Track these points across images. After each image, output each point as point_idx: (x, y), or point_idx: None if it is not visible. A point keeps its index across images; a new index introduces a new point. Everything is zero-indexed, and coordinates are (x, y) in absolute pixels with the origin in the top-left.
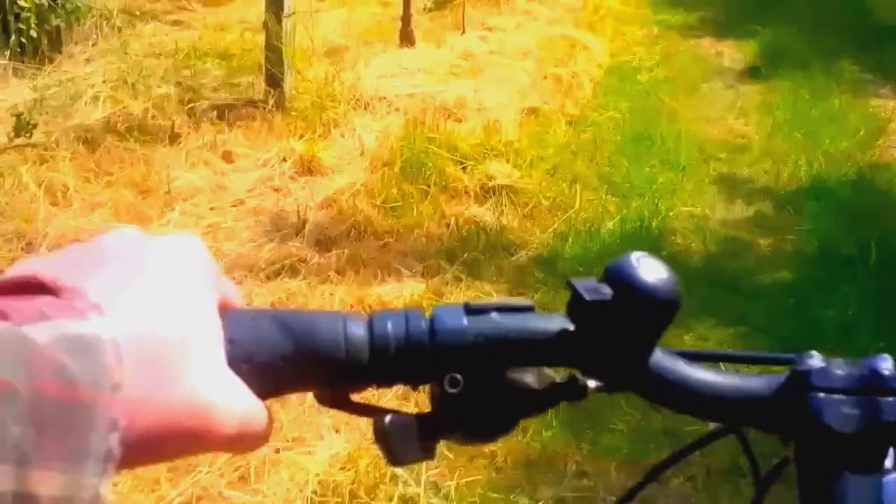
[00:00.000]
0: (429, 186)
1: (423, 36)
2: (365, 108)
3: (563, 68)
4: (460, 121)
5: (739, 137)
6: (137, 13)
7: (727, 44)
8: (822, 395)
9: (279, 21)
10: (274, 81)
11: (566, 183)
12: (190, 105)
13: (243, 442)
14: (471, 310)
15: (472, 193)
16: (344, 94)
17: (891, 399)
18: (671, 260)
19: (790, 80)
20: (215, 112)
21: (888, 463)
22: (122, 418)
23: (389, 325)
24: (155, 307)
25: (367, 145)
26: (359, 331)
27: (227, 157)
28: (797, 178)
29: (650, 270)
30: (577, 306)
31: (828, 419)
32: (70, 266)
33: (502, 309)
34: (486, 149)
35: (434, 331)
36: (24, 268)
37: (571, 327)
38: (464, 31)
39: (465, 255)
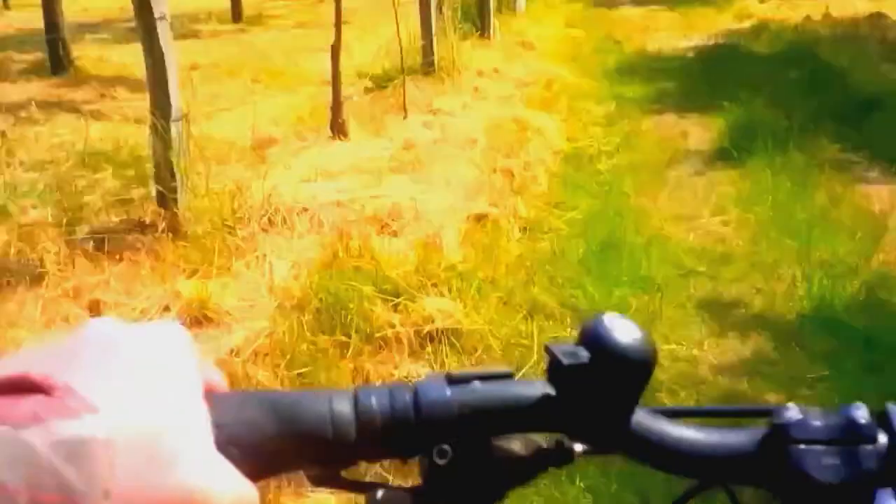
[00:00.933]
0: (349, 336)
1: (359, 123)
2: (282, 225)
3: (515, 159)
4: (395, 234)
5: (719, 243)
6: (56, 101)
7: (691, 120)
8: (802, 446)
9: (167, 124)
10: (165, 200)
11: (521, 315)
12: (69, 229)
13: None
14: (453, 380)
15: (405, 342)
16: (255, 210)
17: (869, 447)
18: None
19: (766, 165)
20: (92, 242)
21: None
22: None
23: (374, 401)
24: (143, 399)
25: (277, 280)
26: (344, 408)
27: (95, 307)
28: (796, 300)
29: (625, 331)
30: (556, 371)
31: (810, 470)
32: (58, 361)
33: (484, 377)
34: (424, 277)
35: (419, 404)
36: (14, 364)
37: (552, 392)
38: (405, 115)
39: None
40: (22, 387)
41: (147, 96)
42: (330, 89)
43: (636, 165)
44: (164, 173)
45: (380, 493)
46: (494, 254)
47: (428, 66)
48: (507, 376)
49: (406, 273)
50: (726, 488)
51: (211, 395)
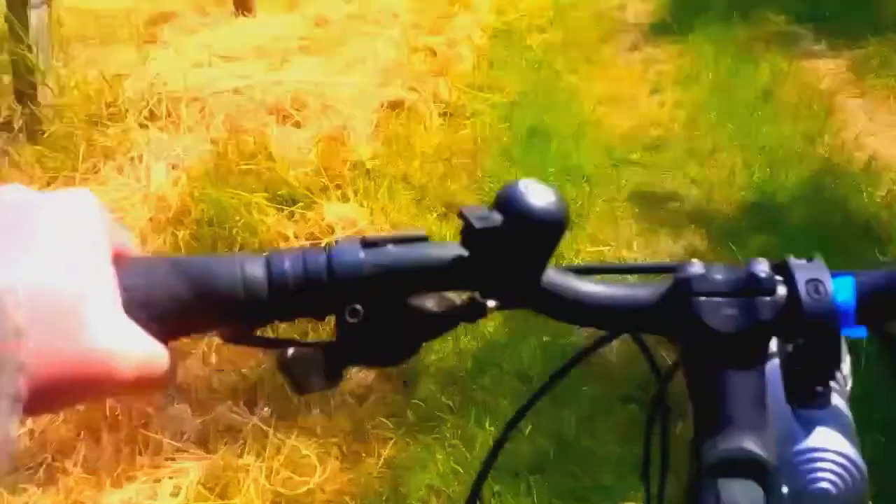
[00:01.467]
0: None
1: None
2: (166, 119)
3: (439, 36)
4: (298, 126)
5: (655, 126)
6: None
7: None
8: (703, 298)
9: (24, 10)
10: (23, 95)
11: (435, 215)
12: None
13: (144, 385)
14: (367, 243)
15: None
16: (134, 102)
17: (767, 299)
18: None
19: (706, 39)
20: None
21: (772, 351)
22: (27, 362)
23: (287, 263)
24: (49, 261)
25: (153, 187)
26: (257, 271)
27: None
28: (735, 191)
29: (538, 196)
30: (469, 233)
31: (709, 320)
32: None
33: (398, 240)
34: (327, 178)
35: (332, 266)
36: None
37: (465, 253)
38: None
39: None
40: None
41: None
42: None
43: (569, 42)
44: (20, 64)
45: (291, 350)
46: (409, 146)
47: None
48: (422, 239)
49: (306, 174)
50: (634, 336)
51: (121, 260)
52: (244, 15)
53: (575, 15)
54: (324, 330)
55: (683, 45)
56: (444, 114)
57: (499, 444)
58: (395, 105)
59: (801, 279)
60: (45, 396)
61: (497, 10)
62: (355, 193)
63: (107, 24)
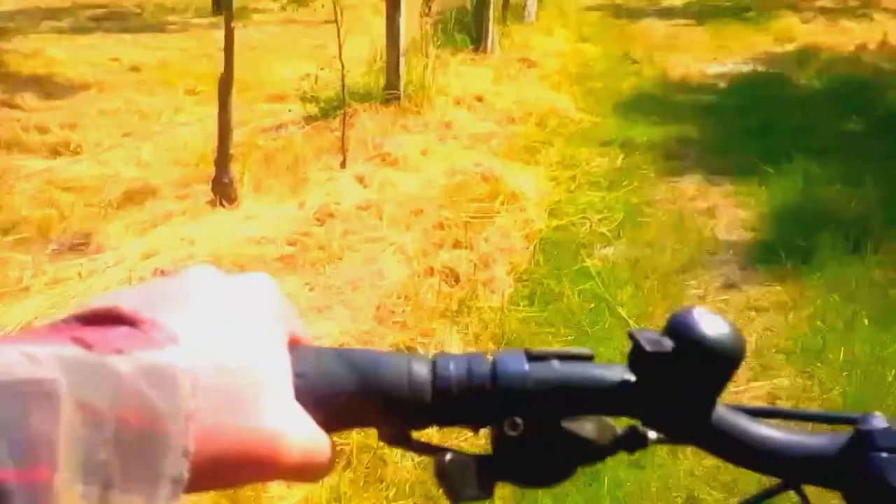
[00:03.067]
0: None
1: (270, 174)
2: None
3: (467, 249)
4: None
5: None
6: None
7: (722, 189)
8: (885, 454)
9: None
10: None
11: None
12: None
13: (307, 471)
14: (532, 356)
15: None
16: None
17: None
18: None
19: (830, 284)
20: None
21: None
22: (193, 445)
23: (452, 367)
24: (229, 340)
25: None
26: (422, 371)
27: None
28: None
29: (712, 325)
30: (637, 357)
31: (890, 478)
32: (149, 299)
33: (563, 357)
34: None
35: (496, 375)
36: (106, 300)
37: (632, 378)
38: (344, 164)
39: None
40: (110, 319)
41: None
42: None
43: (641, 264)
44: None
45: (448, 457)
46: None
47: (391, 91)
48: (587, 358)
49: None
50: (799, 491)
51: (294, 347)
52: (223, 206)
53: (650, 221)
54: None
55: (796, 284)
56: None
57: None
58: None
59: None
60: (209, 473)
61: (550, 208)
62: None
63: (84, 198)
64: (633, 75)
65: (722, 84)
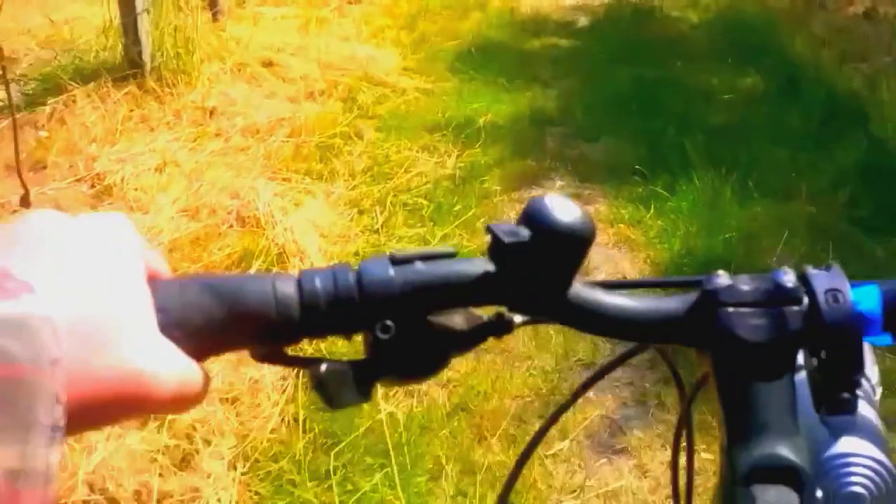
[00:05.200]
0: None
1: None
2: None
3: None
4: None
5: None
6: None
7: (600, 215)
8: (730, 309)
9: None
10: None
11: None
12: None
13: (180, 403)
14: (396, 260)
15: None
16: None
17: (795, 308)
18: None
19: None
20: None
21: (800, 363)
22: (63, 391)
23: (317, 281)
24: (84, 283)
25: None
26: (288, 289)
27: None
28: None
29: (565, 210)
30: (497, 249)
31: (738, 331)
32: None
33: (426, 257)
34: None
35: (361, 283)
36: None
37: (493, 269)
38: (27, 198)
39: None
40: None
41: None
42: None
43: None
44: None
45: (323, 367)
46: None
47: (133, 65)
48: (450, 255)
49: None
50: (659, 350)
51: (154, 281)
52: None
53: None
54: None
55: None
56: None
57: (525, 456)
58: None
59: (820, 288)
60: (83, 417)
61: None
62: None
63: None
64: (476, 10)
65: (583, 21)
